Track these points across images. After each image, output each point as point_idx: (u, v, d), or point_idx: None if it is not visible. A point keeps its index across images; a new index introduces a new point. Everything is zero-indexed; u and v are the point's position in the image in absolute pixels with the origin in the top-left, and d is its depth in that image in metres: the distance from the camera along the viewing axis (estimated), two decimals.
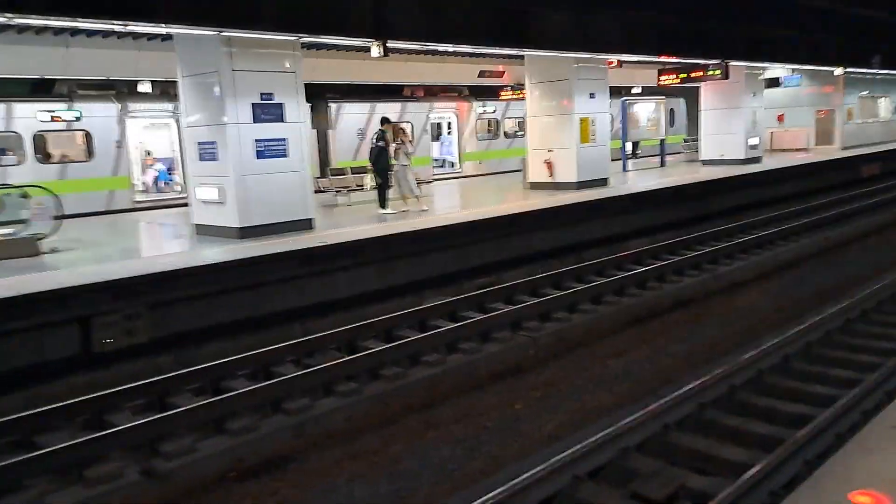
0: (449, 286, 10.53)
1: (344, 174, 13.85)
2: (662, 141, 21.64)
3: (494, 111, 22.66)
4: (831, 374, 6.76)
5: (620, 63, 17.86)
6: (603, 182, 15.76)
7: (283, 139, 10.00)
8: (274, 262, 8.61)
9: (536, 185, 15.74)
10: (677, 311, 9.97)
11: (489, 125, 22.96)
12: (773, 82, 26.15)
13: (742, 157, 20.02)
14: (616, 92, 26.52)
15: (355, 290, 9.68)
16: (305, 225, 10.47)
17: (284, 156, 10.04)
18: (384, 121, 12.54)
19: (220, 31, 8.63)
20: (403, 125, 15.47)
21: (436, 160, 23.31)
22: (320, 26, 9.20)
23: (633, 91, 26.03)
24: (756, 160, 20.54)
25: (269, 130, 9.85)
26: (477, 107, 22.19)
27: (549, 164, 15.40)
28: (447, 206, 13.97)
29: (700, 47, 16.07)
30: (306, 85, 18.07)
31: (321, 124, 17.90)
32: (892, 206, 17.57)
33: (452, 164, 22.07)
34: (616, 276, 10.77)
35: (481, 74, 19.95)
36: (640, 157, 26.00)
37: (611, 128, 17.01)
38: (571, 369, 7.85)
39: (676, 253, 12.66)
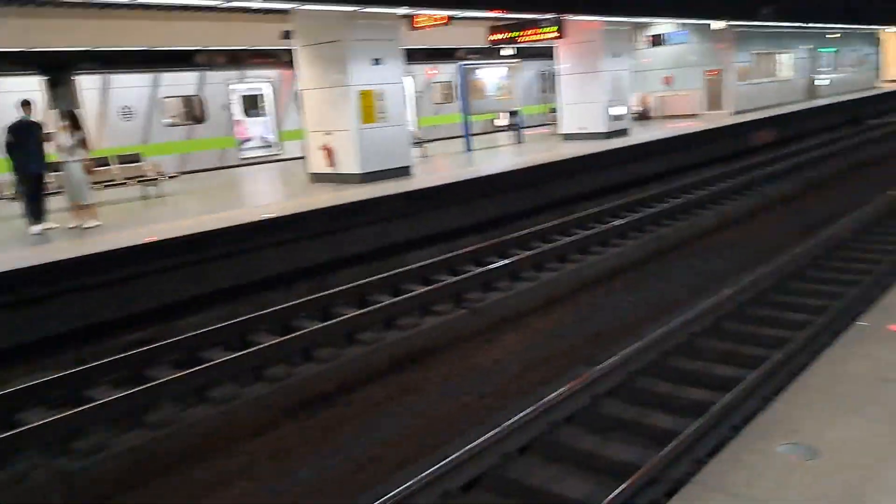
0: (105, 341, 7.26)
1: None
2: (515, 113, 18.52)
3: None
4: None
5: (449, 19, 14.63)
6: (403, 172, 12.57)
7: None
8: None
9: (319, 177, 12.48)
10: (383, 382, 6.89)
11: None
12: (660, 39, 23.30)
13: (604, 131, 17.05)
14: (489, 54, 23.41)
15: None
16: None
17: None
18: (23, 104, 8.97)
19: None
20: (75, 109, 11.83)
21: (251, 139, 19.68)
22: None
23: (503, 52, 22.78)
24: (622, 133, 17.62)
25: None
26: None
27: (328, 151, 12.13)
28: (166, 213, 10.61)
29: None
30: (26, 53, 14.45)
31: (62, 104, 14.20)
32: (766, 184, 14.84)
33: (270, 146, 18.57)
34: (313, 328, 7.55)
35: (287, 36, 16.37)
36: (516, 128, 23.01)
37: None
38: None
39: (455, 269, 9.63)
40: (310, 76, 12.06)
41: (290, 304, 8.08)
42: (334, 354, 7.07)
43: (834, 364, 3.54)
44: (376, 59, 11.82)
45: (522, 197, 13.14)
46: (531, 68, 25.78)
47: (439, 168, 14.30)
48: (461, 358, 7.32)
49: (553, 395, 5.37)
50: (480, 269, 9.37)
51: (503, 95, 17.94)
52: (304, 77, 12.17)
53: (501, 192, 12.85)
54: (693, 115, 22.48)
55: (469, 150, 16.91)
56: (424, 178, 12.64)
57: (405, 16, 14.51)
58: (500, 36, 14.90)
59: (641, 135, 17.75)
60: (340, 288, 8.62)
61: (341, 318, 7.72)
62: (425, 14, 13.46)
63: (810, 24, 23.90)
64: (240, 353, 6.81)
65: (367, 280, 8.91)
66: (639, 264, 10.41)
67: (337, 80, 11.64)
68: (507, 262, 9.66)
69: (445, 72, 22.14)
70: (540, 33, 14.08)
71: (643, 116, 23.28)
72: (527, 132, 21.18)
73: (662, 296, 8.95)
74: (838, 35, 28.98)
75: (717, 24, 18.38)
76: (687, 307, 7.88)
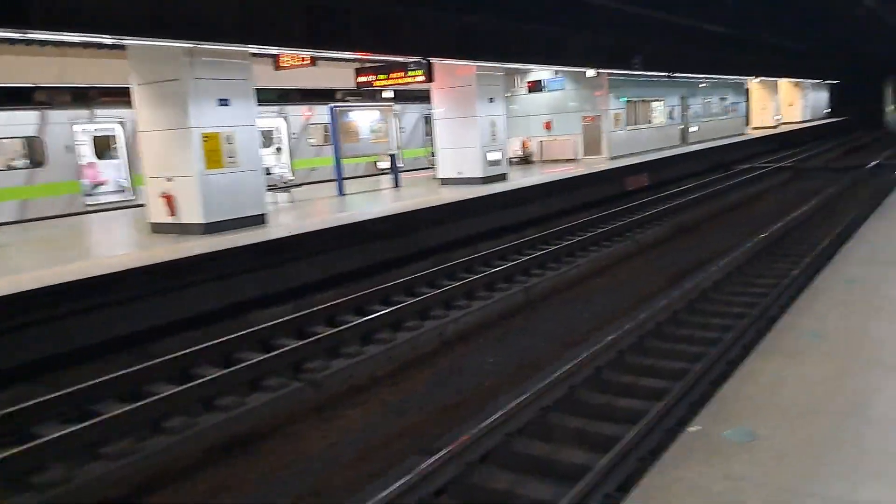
0: None
1: None
2: (394, 157, 17.92)
3: None
4: None
5: (313, 59, 13.87)
6: (257, 220, 11.52)
7: None
8: None
9: (160, 228, 11.24)
10: (190, 480, 5.78)
11: None
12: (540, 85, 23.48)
13: (480, 175, 16.66)
14: (371, 96, 22.78)
15: None
16: None
17: None
18: None
19: None
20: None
21: (104, 183, 18.04)
22: None
23: (384, 94, 22.22)
24: (500, 178, 17.30)
25: None
26: None
27: (169, 199, 10.94)
28: None
29: (384, 39, 12.28)
30: None
31: None
32: (637, 229, 14.77)
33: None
34: None
35: None
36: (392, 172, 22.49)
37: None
38: None
39: (302, 331, 8.65)
40: (148, 117, 10.89)
41: (89, 383, 6.84)
42: (132, 448, 5.90)
43: (649, 501, 2.83)
44: (223, 100, 10.82)
45: (390, 245, 12.38)
46: (414, 111, 25.44)
47: (303, 215, 13.34)
48: (290, 443, 6.33)
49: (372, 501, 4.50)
50: (329, 331, 8.44)
51: (379, 138, 17.26)
52: (142, 118, 10.99)
53: (368, 240, 12.05)
54: (572, 159, 22.67)
55: (341, 194, 16.05)
56: (282, 226, 11.65)
57: (270, 55, 13.69)
58: (365, 78, 14.26)
59: (519, 180, 17.51)
60: (157, 360, 7.45)
61: (149, 399, 6.57)
62: (273, 52, 12.66)
63: (678, 75, 24.83)
64: (6, 454, 5.54)
65: (193, 349, 7.78)
66: (506, 318, 9.82)
67: (177, 122, 10.54)
68: (360, 320, 8.78)
69: (325, 113, 21.31)
70: (407, 77, 13.54)
71: (525, 161, 23.29)
72: (407, 176, 20.65)
73: (526, 354, 8.35)
74: (708, 84, 30.46)
75: (590, 72, 18.60)
76: (546, 370, 7.33)
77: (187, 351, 7.74)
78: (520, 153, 23.19)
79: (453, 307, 9.77)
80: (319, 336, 8.24)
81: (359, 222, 12.25)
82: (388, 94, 22.29)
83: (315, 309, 9.31)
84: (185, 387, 6.88)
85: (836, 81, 44.99)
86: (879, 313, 5.28)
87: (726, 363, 6.61)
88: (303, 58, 13.60)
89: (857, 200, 16.58)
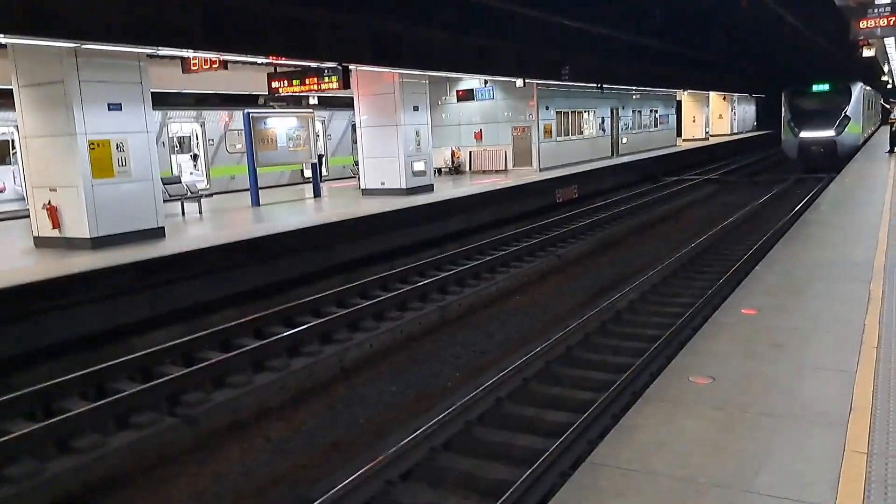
0: None
1: None
2: (315, 166, 17.26)
3: None
4: None
5: (223, 63, 13.12)
6: (154, 234, 10.73)
7: None
8: None
9: (44, 242, 10.33)
10: None
11: None
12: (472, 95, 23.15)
13: (403, 187, 16.17)
14: (297, 102, 21.99)
15: None
16: None
17: None
18: None
19: None
20: None
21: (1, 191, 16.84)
22: None
23: (311, 100, 21.50)
24: (426, 189, 16.84)
25: None
26: None
27: (52, 210, 10.05)
28: None
29: (298, 43, 11.65)
30: None
31: None
32: (560, 244, 14.51)
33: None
34: None
35: None
36: (327, 180, 21.89)
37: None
38: None
39: (191, 356, 7.96)
40: (31, 122, 9.98)
41: None
42: None
43: None
44: (114, 104, 10.01)
45: (299, 261, 11.74)
46: (343, 118, 24.80)
47: (210, 227, 12.57)
48: (152, 491, 5.67)
49: None
50: (217, 358, 7.78)
51: (298, 146, 16.59)
52: (25, 123, 10.07)
53: (276, 255, 11.39)
54: (502, 170, 22.43)
55: (256, 205, 15.30)
56: (182, 240, 10.88)
57: (178, 58, 12.89)
58: (278, 84, 13.60)
59: (446, 191, 17.09)
60: (13, 394, 6.67)
61: None
62: (171, 54, 11.88)
63: (609, 86, 24.91)
64: None
65: (59, 380, 7.02)
66: (415, 340, 9.34)
67: (62, 128, 9.67)
68: (253, 345, 8.14)
69: None
70: (321, 83, 12.94)
71: (456, 171, 22.95)
72: (332, 185, 20.06)
73: (430, 382, 7.88)
74: (639, 96, 30.77)
75: (519, 82, 18.37)
76: (446, 400, 6.90)
77: (51, 382, 6.98)
78: (450, 163, 22.84)
79: (359, 329, 9.22)
80: (205, 364, 7.58)
81: (267, 236, 11.58)
82: (314, 99, 21.62)
83: (207, 332, 8.63)
84: (39, 425, 6.13)
85: (762, 95, 46.40)
86: (777, 350, 5.00)
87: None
88: (213, 61, 12.86)
89: (775, 215, 16.76)
